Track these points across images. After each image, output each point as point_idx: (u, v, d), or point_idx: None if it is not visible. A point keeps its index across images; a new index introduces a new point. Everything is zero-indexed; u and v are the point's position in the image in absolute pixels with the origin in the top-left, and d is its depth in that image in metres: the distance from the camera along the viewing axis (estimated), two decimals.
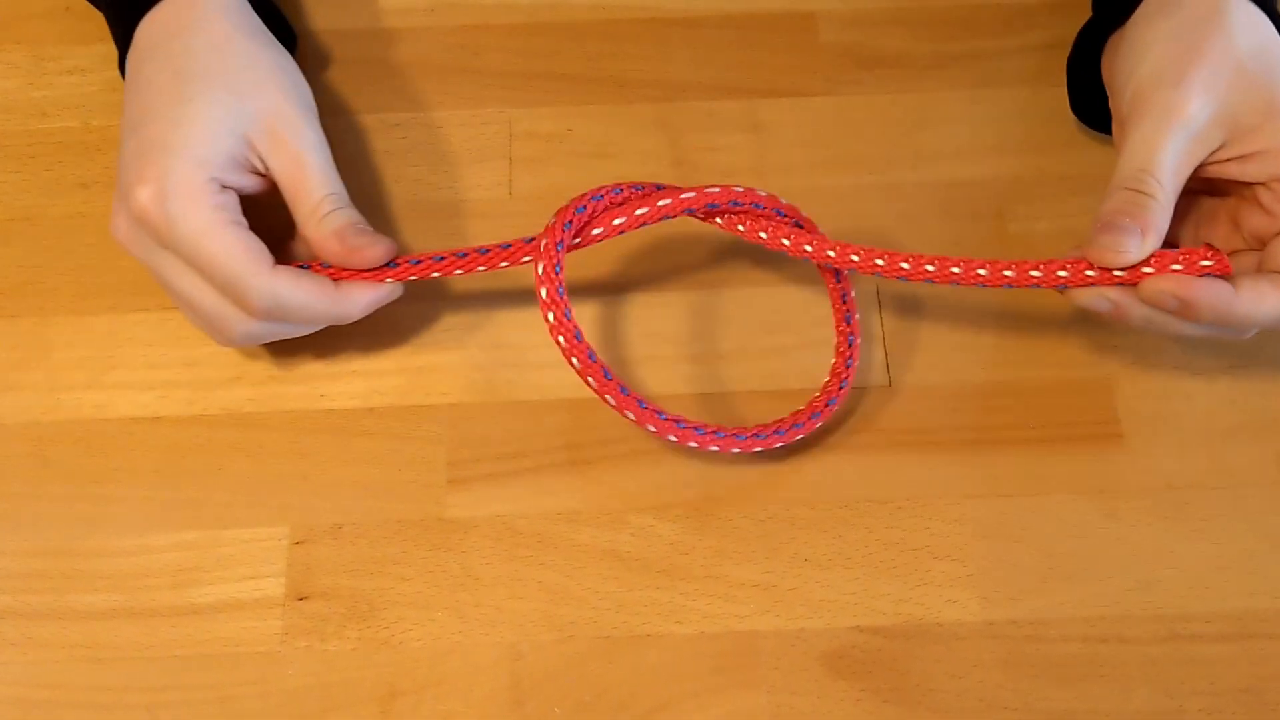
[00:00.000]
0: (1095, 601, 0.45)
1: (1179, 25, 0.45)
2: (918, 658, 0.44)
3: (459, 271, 0.46)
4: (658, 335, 0.49)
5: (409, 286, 0.47)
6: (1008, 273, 0.44)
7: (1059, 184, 0.52)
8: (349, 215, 0.46)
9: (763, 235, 0.46)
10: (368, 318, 0.49)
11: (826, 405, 0.46)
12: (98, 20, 0.53)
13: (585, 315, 0.50)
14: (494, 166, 0.53)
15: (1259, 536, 0.46)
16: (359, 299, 0.46)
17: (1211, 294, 0.42)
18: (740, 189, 0.46)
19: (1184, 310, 0.42)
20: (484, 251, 0.46)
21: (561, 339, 0.44)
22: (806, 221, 0.47)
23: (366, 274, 0.46)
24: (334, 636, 0.44)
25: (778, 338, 0.49)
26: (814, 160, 0.53)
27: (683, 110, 0.54)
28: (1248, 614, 0.44)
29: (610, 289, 0.50)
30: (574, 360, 0.44)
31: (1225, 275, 0.43)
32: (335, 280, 0.46)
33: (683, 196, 0.45)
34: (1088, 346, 0.49)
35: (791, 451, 0.47)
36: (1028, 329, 0.49)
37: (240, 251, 0.43)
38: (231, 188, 0.44)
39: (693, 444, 0.45)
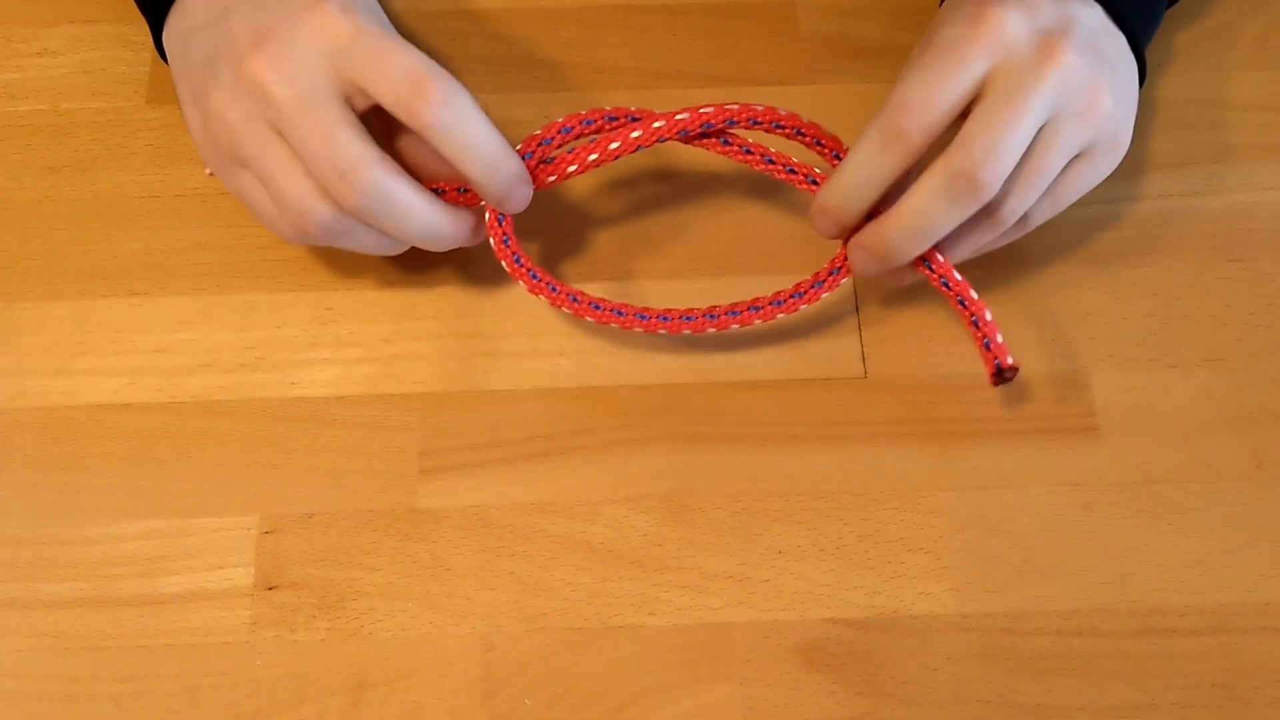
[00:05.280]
0: (1069, 595, 0.44)
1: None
2: (891, 650, 0.44)
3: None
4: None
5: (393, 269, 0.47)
6: (746, 153, 0.47)
7: None
8: None
9: (747, 152, 0.47)
10: (345, 302, 0.49)
11: (813, 287, 0.47)
12: (69, 1, 0.52)
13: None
14: None
15: (1234, 530, 0.46)
16: (521, 165, 0.45)
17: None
18: (710, 108, 0.46)
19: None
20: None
21: (522, 282, 0.46)
22: (789, 118, 0.47)
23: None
24: (303, 627, 0.44)
25: (757, 328, 0.49)
26: (793, 149, 0.52)
27: (662, 98, 0.53)
28: (1222, 608, 0.44)
29: (598, 277, 0.50)
30: (527, 277, 0.46)
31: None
32: None
33: (654, 125, 0.45)
34: (1064, 339, 0.49)
35: (765, 442, 0.47)
36: (1004, 321, 0.49)
37: (428, 58, 0.42)
38: None
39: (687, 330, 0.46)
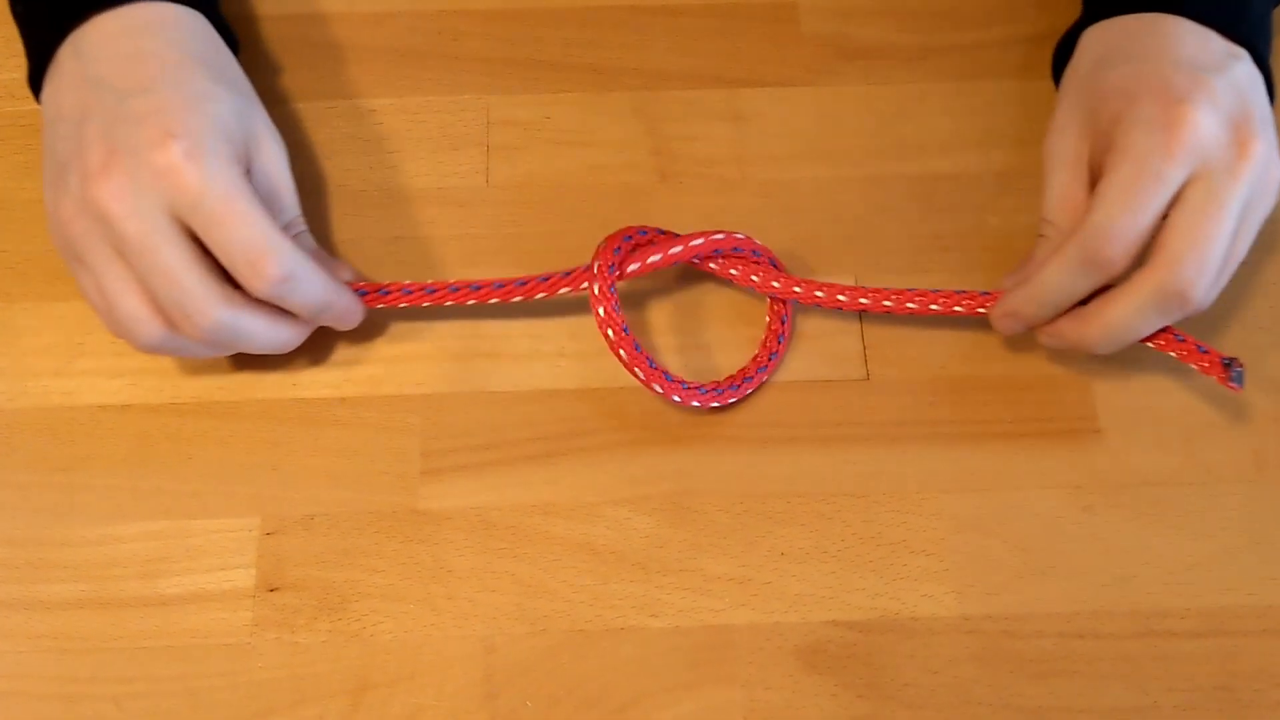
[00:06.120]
0: (1070, 597, 0.45)
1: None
2: (893, 652, 0.44)
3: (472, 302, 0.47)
4: (638, 326, 0.49)
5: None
6: (910, 304, 0.47)
7: (1040, 178, 0.51)
8: (312, 241, 0.48)
9: (755, 279, 0.48)
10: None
11: (758, 371, 0.47)
12: None
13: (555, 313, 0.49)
14: (471, 154, 0.52)
15: (1235, 533, 0.46)
16: (354, 298, 0.46)
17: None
18: (741, 236, 0.48)
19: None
20: (544, 279, 0.47)
21: (623, 352, 0.46)
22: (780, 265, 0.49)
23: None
24: (305, 628, 0.44)
25: (757, 330, 0.49)
26: (794, 151, 0.52)
27: (662, 99, 0.53)
28: (1222, 610, 0.44)
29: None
30: (637, 371, 0.46)
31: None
32: None
33: (692, 244, 0.47)
34: None
35: (766, 444, 0.47)
36: None
37: (268, 220, 0.42)
38: None
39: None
